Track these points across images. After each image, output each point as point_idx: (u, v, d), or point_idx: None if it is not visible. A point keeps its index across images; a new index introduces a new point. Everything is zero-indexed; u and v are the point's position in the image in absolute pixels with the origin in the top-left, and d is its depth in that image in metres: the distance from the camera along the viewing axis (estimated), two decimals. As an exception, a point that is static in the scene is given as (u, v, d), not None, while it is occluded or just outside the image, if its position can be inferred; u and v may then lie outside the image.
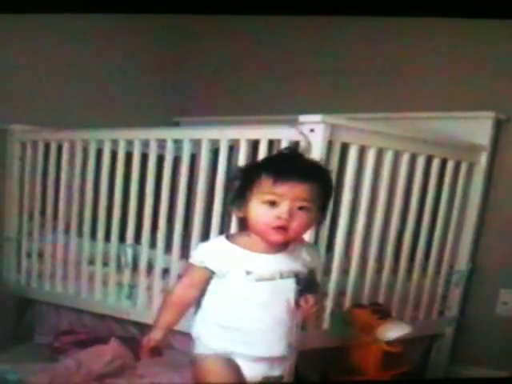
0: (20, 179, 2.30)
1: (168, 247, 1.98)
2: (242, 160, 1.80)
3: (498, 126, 2.11)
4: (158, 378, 1.81)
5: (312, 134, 1.62)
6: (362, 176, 1.79)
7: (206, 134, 1.91)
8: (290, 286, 1.26)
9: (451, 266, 2.11)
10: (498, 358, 2.07)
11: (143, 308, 2.03)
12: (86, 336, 2.09)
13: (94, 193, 2.12)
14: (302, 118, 1.64)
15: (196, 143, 1.94)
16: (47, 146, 2.23)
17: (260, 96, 2.64)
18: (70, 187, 2.17)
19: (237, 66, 2.75)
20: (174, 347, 2.01)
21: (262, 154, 1.75)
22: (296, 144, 1.64)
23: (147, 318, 2.03)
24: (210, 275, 1.26)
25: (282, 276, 1.25)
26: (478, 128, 2.09)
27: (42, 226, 2.25)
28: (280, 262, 1.26)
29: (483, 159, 2.08)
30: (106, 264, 2.11)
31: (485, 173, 2.09)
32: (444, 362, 2.16)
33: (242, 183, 1.26)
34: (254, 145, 1.79)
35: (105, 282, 2.12)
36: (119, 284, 2.09)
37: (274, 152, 1.89)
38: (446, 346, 2.14)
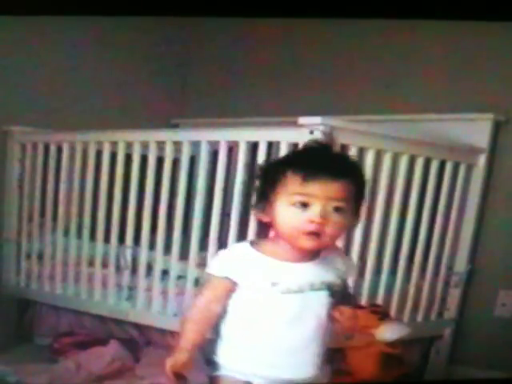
0: (20, 181, 2.30)
1: (167, 249, 1.98)
2: (241, 162, 1.80)
3: (497, 127, 2.12)
4: (157, 380, 1.81)
5: (311, 135, 1.63)
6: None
7: (205, 136, 1.91)
8: (321, 299, 1.12)
9: (450, 268, 2.11)
10: (498, 359, 2.07)
11: (142, 309, 2.03)
12: (86, 337, 2.09)
13: (93, 194, 2.12)
14: (302, 119, 1.65)
15: (195, 145, 1.95)
16: (47, 148, 2.23)
17: (259, 98, 2.64)
18: (69, 189, 2.17)
19: (236, 69, 2.75)
20: (173, 349, 2.01)
21: (261, 155, 1.75)
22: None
23: (146, 320, 2.04)
24: (233, 287, 1.12)
25: (312, 288, 1.12)
26: (476, 130, 2.09)
27: (42, 227, 2.25)
28: (310, 272, 1.12)
29: (482, 161, 2.09)
30: (105, 265, 2.11)
31: (483, 174, 2.10)
32: (443, 363, 2.16)
33: (266, 183, 1.12)
34: (254, 147, 1.80)
35: (104, 284, 2.12)
36: (118, 285, 2.09)
37: (274, 153, 1.91)
38: (445, 348, 2.14)
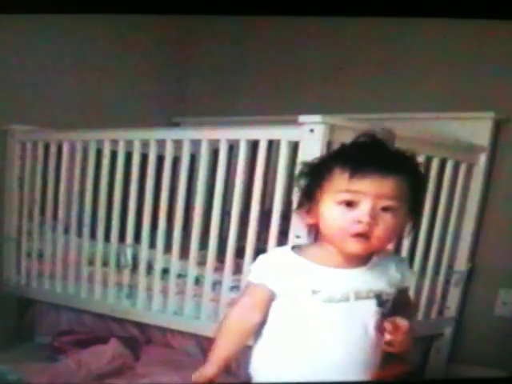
0: (20, 179, 2.30)
1: (168, 247, 1.98)
2: (241, 160, 1.80)
3: (498, 126, 2.11)
4: (158, 378, 1.81)
5: (311, 134, 1.62)
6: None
7: (206, 135, 1.91)
8: (368, 309, 1.02)
9: (450, 266, 2.11)
10: (498, 357, 2.07)
11: (143, 308, 2.03)
12: (86, 336, 2.09)
13: (93, 193, 2.12)
14: (302, 118, 1.64)
15: (195, 143, 1.95)
16: (47, 147, 2.23)
17: (260, 96, 2.64)
18: (69, 187, 2.17)
19: (236, 67, 2.75)
20: (173, 347, 2.01)
21: (262, 154, 1.75)
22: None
23: (147, 318, 2.04)
24: (272, 295, 1.04)
25: (358, 296, 1.01)
26: (477, 128, 2.09)
27: (42, 226, 2.25)
28: (357, 279, 1.02)
29: (482, 160, 2.08)
30: (105, 264, 2.11)
31: (484, 173, 2.09)
32: (443, 361, 2.16)
33: (311, 181, 1.04)
34: (254, 145, 1.80)
35: (104, 282, 2.12)
36: (119, 284, 2.09)
37: (274, 152, 1.91)
38: (446, 346, 2.14)
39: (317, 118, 1.62)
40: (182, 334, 1.99)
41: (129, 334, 2.10)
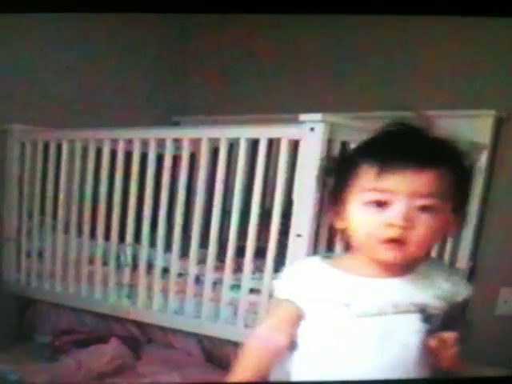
0: (19, 179, 2.30)
1: (168, 246, 1.97)
2: (241, 159, 1.80)
3: (499, 124, 2.11)
4: (159, 377, 1.81)
5: (312, 132, 1.62)
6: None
7: (206, 133, 1.90)
8: (410, 325, 0.88)
9: (452, 264, 2.10)
10: (499, 356, 2.06)
11: (143, 307, 2.03)
12: (87, 335, 2.09)
13: (93, 192, 2.11)
14: (302, 116, 1.64)
15: (195, 142, 1.94)
16: (46, 146, 2.23)
17: (260, 95, 2.64)
18: (69, 187, 2.17)
19: (237, 65, 2.74)
20: (174, 346, 2.01)
21: (262, 152, 1.75)
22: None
23: (147, 317, 2.03)
24: (300, 311, 0.92)
25: (397, 310, 0.87)
26: (478, 126, 2.08)
27: (42, 225, 2.25)
28: (396, 291, 0.88)
29: (484, 157, 2.08)
30: (105, 263, 2.11)
31: (485, 171, 2.09)
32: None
33: (337, 179, 0.91)
34: (254, 144, 1.79)
35: (105, 282, 2.12)
36: (119, 283, 2.09)
37: (273, 151, 1.91)
38: (447, 345, 2.14)
39: (317, 116, 1.62)
40: (182, 333, 1.98)
41: (129, 333, 2.10)
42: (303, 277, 0.93)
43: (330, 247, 1.75)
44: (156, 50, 2.80)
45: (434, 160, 0.85)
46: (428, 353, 0.87)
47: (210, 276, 1.88)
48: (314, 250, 1.68)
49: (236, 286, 1.84)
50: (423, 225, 0.84)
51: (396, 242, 0.84)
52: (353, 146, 1.70)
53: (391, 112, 2.32)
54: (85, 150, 2.14)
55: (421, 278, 0.90)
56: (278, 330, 0.93)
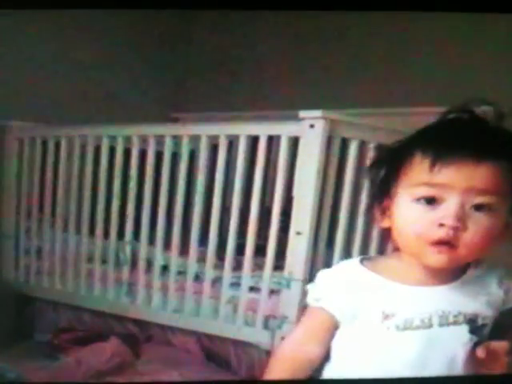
0: (18, 176, 2.29)
1: (167, 244, 1.97)
2: (241, 156, 1.79)
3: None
4: (158, 376, 1.80)
5: (312, 129, 1.61)
6: (362, 172, 1.78)
7: (205, 130, 1.89)
8: (458, 338, 0.80)
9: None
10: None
11: (142, 305, 2.02)
12: (86, 333, 2.08)
13: (92, 189, 2.11)
14: (302, 113, 1.63)
15: (195, 139, 1.93)
16: (45, 143, 2.22)
17: (260, 91, 2.63)
18: (68, 184, 2.16)
19: (236, 62, 2.73)
20: (173, 344, 2.00)
21: (262, 149, 1.74)
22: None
23: (146, 315, 2.03)
24: (334, 321, 0.84)
25: (443, 322, 0.79)
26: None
27: (40, 223, 2.24)
28: (442, 300, 0.80)
29: (484, 154, 2.07)
30: (104, 261, 2.10)
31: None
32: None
33: (387, 171, 0.84)
34: (254, 141, 1.78)
35: (104, 279, 2.11)
36: (118, 281, 2.08)
37: (273, 149, 1.90)
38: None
39: (317, 113, 1.61)
40: (181, 331, 1.98)
41: (128, 331, 2.09)
42: (339, 282, 0.85)
43: (329, 247, 1.75)
44: (155, 46, 2.79)
45: (494, 152, 0.75)
46: (476, 365, 0.79)
47: (209, 274, 1.88)
48: (314, 248, 1.68)
49: (236, 284, 1.83)
50: (478, 226, 0.76)
51: (446, 244, 0.76)
52: (353, 142, 1.70)
53: (391, 109, 2.32)
54: (83, 147, 2.13)
55: (471, 284, 0.82)
56: (310, 339, 0.85)
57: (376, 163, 0.87)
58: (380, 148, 0.91)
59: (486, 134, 0.79)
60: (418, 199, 0.77)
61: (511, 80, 2.04)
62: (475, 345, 0.80)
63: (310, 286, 0.88)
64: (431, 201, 0.77)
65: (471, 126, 0.80)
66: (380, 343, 0.80)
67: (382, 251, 1.89)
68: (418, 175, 0.77)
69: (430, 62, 2.24)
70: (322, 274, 0.88)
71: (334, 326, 0.84)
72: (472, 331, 0.80)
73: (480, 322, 0.81)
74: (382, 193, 0.83)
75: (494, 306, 0.83)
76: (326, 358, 0.86)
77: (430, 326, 0.79)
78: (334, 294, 0.84)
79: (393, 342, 0.80)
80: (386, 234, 0.85)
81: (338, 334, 0.84)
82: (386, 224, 0.83)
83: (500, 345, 0.79)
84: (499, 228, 0.78)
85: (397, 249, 0.84)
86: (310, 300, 0.86)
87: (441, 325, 0.80)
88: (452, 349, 0.80)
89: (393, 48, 2.33)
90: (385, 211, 0.83)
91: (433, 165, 0.76)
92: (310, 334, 0.85)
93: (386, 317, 0.80)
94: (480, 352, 0.78)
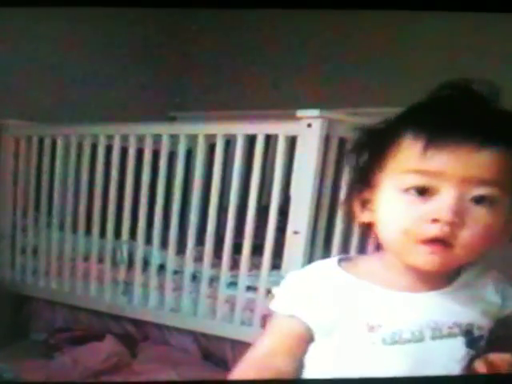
0: (14, 175, 2.28)
1: (164, 243, 1.96)
2: (238, 155, 1.78)
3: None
4: (155, 375, 1.80)
5: (309, 128, 1.61)
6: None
7: (203, 129, 1.89)
8: (453, 352, 0.69)
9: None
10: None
11: (139, 305, 2.02)
12: (82, 333, 2.08)
13: (88, 188, 2.10)
14: (300, 112, 1.63)
15: (192, 138, 1.93)
16: (41, 142, 2.21)
17: (257, 91, 2.62)
18: (64, 183, 2.15)
19: (234, 61, 2.73)
20: (170, 344, 2.00)
21: (259, 149, 1.73)
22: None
23: (143, 315, 2.02)
24: (308, 332, 0.71)
25: (436, 334, 0.68)
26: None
27: (37, 222, 2.23)
28: (434, 309, 0.69)
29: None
30: (101, 260, 2.10)
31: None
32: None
33: (369, 155, 0.71)
34: (251, 140, 1.78)
35: (100, 279, 2.10)
36: (115, 280, 2.07)
37: (270, 148, 1.90)
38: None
39: (315, 112, 1.61)
40: (178, 330, 1.97)
41: (125, 330, 2.09)
42: (313, 286, 0.72)
43: (326, 247, 1.74)
44: (153, 45, 2.78)
45: (498, 136, 0.63)
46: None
47: (206, 273, 1.87)
48: (312, 247, 1.67)
49: (233, 284, 1.83)
50: (478, 221, 0.64)
51: (440, 242, 0.64)
52: (351, 142, 1.70)
53: (389, 109, 2.31)
54: (80, 145, 2.12)
55: (465, 289, 0.71)
56: (279, 351, 0.71)
57: (357, 146, 0.72)
58: (362, 129, 0.71)
59: (489, 115, 0.66)
60: (407, 189, 0.65)
61: (510, 80, 2.04)
62: (471, 359, 0.69)
63: (277, 290, 0.74)
64: (423, 191, 0.64)
65: (471, 104, 0.67)
66: (364, 359, 0.69)
67: (379, 250, 1.89)
68: (408, 161, 0.65)
69: (428, 62, 2.23)
70: (293, 277, 0.75)
71: (308, 339, 0.71)
72: (469, 344, 0.69)
73: (476, 333, 0.70)
74: (363, 181, 0.70)
75: (489, 314, 0.72)
76: (298, 375, 0.73)
77: (422, 339, 0.68)
78: (307, 301, 0.71)
79: (379, 359, 0.68)
80: (366, 231, 0.73)
81: (313, 347, 0.71)
82: (366, 218, 0.71)
83: (501, 358, 0.67)
84: (500, 225, 0.66)
85: (379, 248, 0.73)
86: (278, 307, 0.73)
87: (433, 338, 0.68)
88: (446, 366, 0.69)
89: (391, 47, 2.33)
90: (365, 203, 0.71)
91: (425, 149, 0.64)
92: (278, 346, 0.71)
93: (371, 328, 0.68)
94: (480, 367, 0.67)
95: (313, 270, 0.75)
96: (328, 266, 0.73)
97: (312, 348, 0.71)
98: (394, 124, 0.71)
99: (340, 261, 0.74)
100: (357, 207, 0.72)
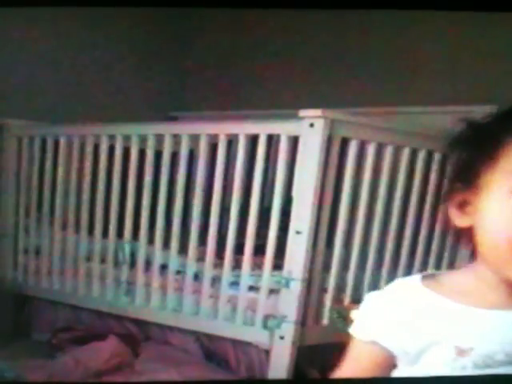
0: (16, 175, 2.28)
1: (166, 243, 1.96)
2: (240, 155, 1.78)
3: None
4: (157, 375, 1.80)
5: (312, 128, 1.60)
6: (361, 171, 1.77)
7: (205, 129, 1.89)
8: None
9: (452, 262, 2.09)
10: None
11: (141, 305, 2.02)
12: (84, 333, 2.08)
13: (91, 189, 2.10)
14: (302, 112, 1.63)
15: (194, 138, 1.93)
16: (44, 142, 2.21)
17: (259, 90, 2.62)
18: (66, 183, 2.16)
19: (235, 61, 2.73)
20: (172, 344, 2.00)
21: (262, 149, 1.73)
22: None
23: (145, 315, 2.02)
24: (390, 359, 0.67)
25: None
26: (479, 123, 2.07)
27: (39, 222, 2.23)
28: None
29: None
30: (103, 260, 2.10)
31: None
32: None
33: (472, 153, 0.64)
34: (253, 140, 1.78)
35: (102, 279, 2.10)
36: (117, 280, 2.07)
37: (273, 148, 1.89)
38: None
39: (317, 112, 1.61)
40: (180, 330, 1.97)
41: (127, 330, 2.09)
42: (396, 309, 0.66)
43: (329, 245, 1.74)
44: (154, 45, 2.78)
45: None
46: None
47: (208, 273, 1.87)
48: (314, 247, 1.67)
49: (235, 284, 1.82)
50: None
51: None
52: (353, 141, 1.70)
53: (391, 108, 2.32)
54: (82, 145, 2.12)
55: None
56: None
57: (460, 141, 0.65)
58: (468, 121, 0.64)
59: None
60: None
61: (510, 79, 2.03)
62: None
63: (356, 313, 0.69)
64: None
65: None
66: None
67: (381, 250, 1.89)
68: None
69: (430, 62, 2.23)
70: (373, 298, 0.69)
71: (391, 366, 0.67)
72: None
73: None
74: (464, 181, 0.63)
75: None
76: None
77: None
78: (390, 326, 0.65)
79: None
80: (461, 237, 0.67)
81: (397, 374, 0.68)
82: (463, 223, 0.64)
83: None
84: None
85: (476, 257, 0.67)
86: (358, 332, 0.68)
87: None
88: None
89: (393, 47, 2.32)
90: (464, 206, 0.64)
91: None
92: (360, 374, 0.68)
93: (461, 352, 0.62)
94: None
95: (394, 291, 0.69)
96: (411, 285, 0.67)
97: (395, 375, 0.68)
98: (503, 119, 0.64)
99: (424, 278, 0.68)
100: (453, 209, 0.66)
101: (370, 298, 0.69)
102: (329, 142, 1.64)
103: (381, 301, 0.68)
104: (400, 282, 0.70)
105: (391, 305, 0.67)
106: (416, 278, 0.68)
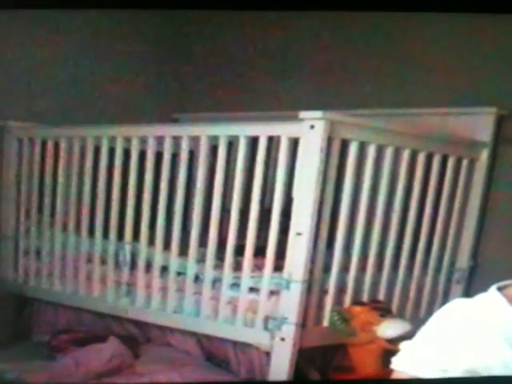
0: (17, 176, 2.28)
1: (167, 245, 1.96)
2: (241, 157, 1.78)
3: (500, 121, 2.09)
4: (157, 377, 1.80)
5: (312, 130, 1.61)
6: (362, 173, 1.77)
7: (205, 131, 1.89)
8: None
9: (452, 263, 2.09)
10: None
11: (142, 306, 2.02)
12: (85, 334, 2.08)
13: (91, 190, 2.10)
14: (303, 114, 1.63)
15: (194, 140, 1.93)
16: (44, 143, 2.21)
17: (260, 92, 2.62)
18: (67, 185, 2.16)
19: (236, 62, 2.73)
20: (173, 345, 2.00)
21: (262, 150, 1.73)
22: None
23: (146, 316, 2.02)
24: None
25: None
26: (479, 124, 2.07)
27: (40, 223, 2.24)
28: None
29: (484, 155, 2.07)
30: (104, 262, 2.10)
31: (486, 169, 2.08)
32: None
33: None
34: (254, 141, 1.78)
35: (103, 280, 2.10)
36: (118, 282, 2.08)
37: (273, 150, 1.89)
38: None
39: (317, 113, 1.61)
40: (181, 332, 1.97)
41: (128, 332, 2.09)
42: (469, 331, 0.57)
43: (329, 246, 1.74)
44: (155, 46, 2.78)
45: None
46: None
47: (209, 275, 1.87)
48: (314, 249, 1.67)
49: (235, 285, 1.82)
50: None
51: None
52: (353, 143, 1.70)
53: (392, 109, 2.31)
54: (83, 147, 2.12)
55: None
56: None
57: None
58: None
59: None
60: None
61: (511, 82, 2.03)
62: None
63: (417, 337, 0.58)
64: None
65: None
66: None
67: (381, 252, 1.89)
68: None
69: (431, 64, 2.23)
70: (439, 322, 0.60)
71: None
72: None
73: None
74: None
75: None
76: None
77: None
78: (466, 349, 0.56)
79: None
80: None
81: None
82: None
83: None
84: None
85: None
86: (399, 366, 0.58)
87: None
88: None
89: (393, 49, 2.32)
90: None
91: None
92: None
93: None
94: None
95: (475, 308, 0.60)
96: (487, 298, 0.58)
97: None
98: None
99: (502, 288, 0.60)
100: None
101: (430, 324, 0.58)
102: (329, 143, 1.64)
103: (446, 324, 0.59)
104: (479, 298, 0.58)
105: (453, 325, 0.57)
106: (491, 290, 0.57)
